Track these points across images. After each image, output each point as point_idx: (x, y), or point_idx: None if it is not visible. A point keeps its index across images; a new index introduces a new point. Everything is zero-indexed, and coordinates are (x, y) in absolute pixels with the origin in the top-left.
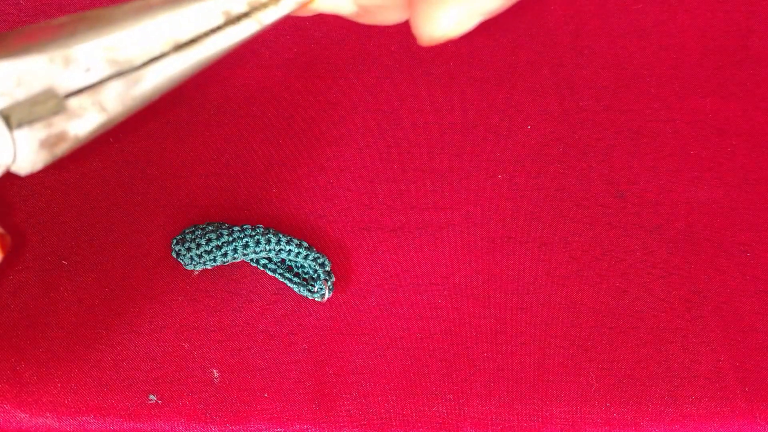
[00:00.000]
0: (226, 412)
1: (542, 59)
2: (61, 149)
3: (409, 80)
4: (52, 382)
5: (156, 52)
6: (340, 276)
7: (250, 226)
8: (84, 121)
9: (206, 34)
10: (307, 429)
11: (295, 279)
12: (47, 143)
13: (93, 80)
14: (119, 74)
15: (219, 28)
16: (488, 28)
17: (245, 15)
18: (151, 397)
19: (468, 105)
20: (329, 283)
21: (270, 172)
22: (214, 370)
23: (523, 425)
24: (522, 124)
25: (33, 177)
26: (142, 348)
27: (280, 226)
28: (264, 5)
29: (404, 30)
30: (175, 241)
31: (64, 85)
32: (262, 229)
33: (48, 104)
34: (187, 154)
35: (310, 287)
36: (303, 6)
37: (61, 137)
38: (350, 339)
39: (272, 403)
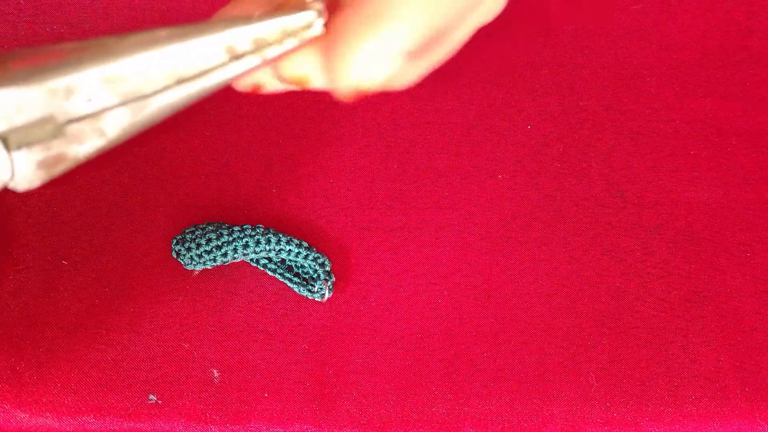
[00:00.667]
0: (226, 412)
1: (542, 59)
2: (60, 169)
3: None
4: (52, 382)
5: (159, 86)
6: (340, 276)
7: (250, 226)
8: (83, 146)
9: (210, 70)
10: (307, 429)
11: (295, 279)
12: (45, 164)
13: (94, 109)
14: (121, 104)
15: (223, 64)
16: (488, 28)
17: (250, 52)
18: (151, 397)
19: (468, 105)
20: (329, 283)
21: (270, 172)
22: (214, 370)
23: (523, 425)
24: (522, 124)
25: None
26: (142, 348)
27: (280, 226)
28: (269, 44)
29: None
30: (175, 241)
31: (65, 113)
32: (262, 229)
33: (47, 129)
34: (187, 154)
35: (310, 287)
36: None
37: (59, 159)
38: (350, 339)
39: (272, 403)
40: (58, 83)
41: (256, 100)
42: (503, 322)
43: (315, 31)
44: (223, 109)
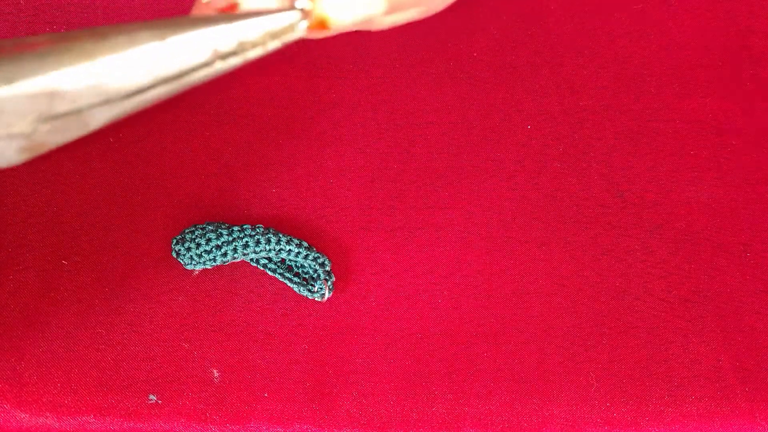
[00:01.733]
0: (226, 412)
1: (542, 59)
2: (41, 152)
3: (409, 80)
4: (52, 382)
5: (143, 86)
6: (340, 276)
7: (250, 226)
8: (65, 134)
9: (193, 69)
10: (307, 429)
11: (295, 279)
12: (27, 149)
13: (77, 108)
14: (105, 103)
15: (206, 63)
16: (488, 28)
17: (233, 53)
18: (151, 397)
19: (468, 105)
20: (329, 283)
21: (270, 172)
22: (214, 370)
23: (523, 425)
24: (522, 124)
25: (33, 177)
26: (142, 348)
27: (280, 226)
28: (253, 45)
29: (404, 30)
30: (175, 241)
31: (48, 112)
32: (262, 229)
33: (30, 123)
34: (187, 154)
35: (310, 287)
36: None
37: (41, 146)
38: (350, 339)
39: (272, 403)
40: (41, 90)
41: (256, 100)
42: (503, 322)
43: (298, 34)
44: (223, 109)
